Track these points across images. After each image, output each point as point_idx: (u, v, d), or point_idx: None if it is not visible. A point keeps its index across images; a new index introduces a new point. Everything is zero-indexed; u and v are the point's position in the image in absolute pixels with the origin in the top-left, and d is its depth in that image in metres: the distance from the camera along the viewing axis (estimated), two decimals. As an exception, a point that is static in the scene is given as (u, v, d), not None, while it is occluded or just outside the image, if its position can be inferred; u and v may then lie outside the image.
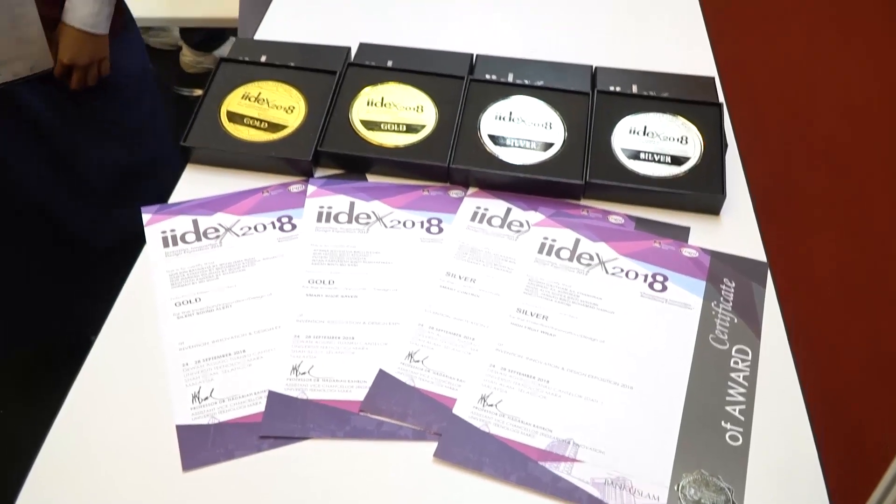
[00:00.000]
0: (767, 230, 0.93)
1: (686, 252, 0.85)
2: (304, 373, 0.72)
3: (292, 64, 1.01)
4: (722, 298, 0.81)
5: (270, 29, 1.18)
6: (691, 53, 1.16)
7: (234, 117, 0.94)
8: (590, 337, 0.77)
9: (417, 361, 0.74)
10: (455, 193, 0.91)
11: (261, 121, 0.94)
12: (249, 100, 0.96)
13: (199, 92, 2.41)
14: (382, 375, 0.73)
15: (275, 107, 0.95)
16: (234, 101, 0.96)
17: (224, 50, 2.44)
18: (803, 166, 2.21)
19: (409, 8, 1.24)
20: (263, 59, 1.03)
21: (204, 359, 0.73)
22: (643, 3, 1.26)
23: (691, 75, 1.05)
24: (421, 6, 1.24)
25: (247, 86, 0.97)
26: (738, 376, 0.74)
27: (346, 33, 1.14)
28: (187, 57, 2.49)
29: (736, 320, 0.79)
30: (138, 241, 0.84)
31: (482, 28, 1.20)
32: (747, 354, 0.76)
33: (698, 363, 0.75)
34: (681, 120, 0.95)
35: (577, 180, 0.90)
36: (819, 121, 2.42)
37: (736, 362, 0.75)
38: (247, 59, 1.02)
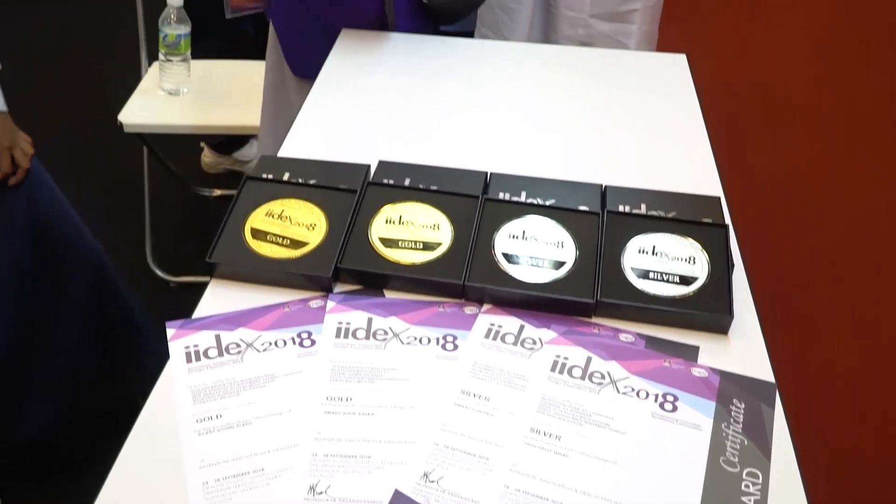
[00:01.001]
0: (775, 344, 0.95)
1: (696, 372, 0.87)
2: (321, 492, 0.73)
3: (314, 182, 1.06)
4: (732, 420, 0.82)
5: (293, 145, 1.23)
6: (697, 171, 1.20)
7: (258, 234, 0.98)
8: (602, 458, 0.78)
9: (433, 482, 0.75)
10: (470, 310, 0.94)
11: (283, 237, 0.98)
12: (273, 217, 1.00)
13: (217, 192, 2.49)
14: (398, 496, 0.74)
15: (297, 224, 0.99)
16: (258, 219, 1.00)
17: (244, 153, 2.52)
18: (810, 277, 2.23)
19: (426, 126, 1.29)
20: (286, 176, 1.08)
21: (224, 477, 0.74)
22: (650, 123, 1.32)
23: (698, 195, 1.09)
24: (437, 124, 1.30)
25: (270, 203, 1.02)
26: (750, 500, 0.75)
27: (366, 149, 1.20)
28: (208, 158, 2.57)
29: (746, 442, 0.80)
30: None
31: (496, 145, 1.25)
32: (758, 477, 0.77)
33: (710, 486, 0.76)
34: (689, 241, 0.98)
35: (588, 299, 0.92)
36: (824, 231, 2.46)
37: (747, 485, 0.76)
38: (271, 177, 1.07)
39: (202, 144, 2.57)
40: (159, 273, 2.15)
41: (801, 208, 2.54)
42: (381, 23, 1.54)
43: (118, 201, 2.45)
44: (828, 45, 3.54)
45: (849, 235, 2.45)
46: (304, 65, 1.56)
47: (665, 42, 3.27)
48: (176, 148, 2.60)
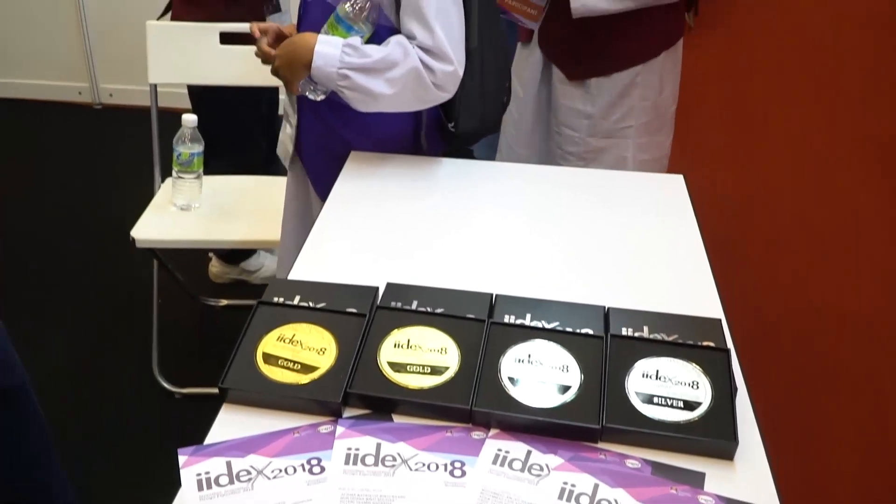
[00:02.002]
0: (781, 465, 0.96)
1: (702, 500, 0.87)
2: None
3: (324, 305, 1.08)
4: (740, 550, 0.82)
5: (306, 264, 1.27)
6: (697, 292, 1.23)
7: (269, 359, 1.00)
8: (612, 591, 0.78)
9: None
10: (477, 435, 0.95)
11: (294, 362, 1.00)
12: (284, 341, 1.02)
13: (224, 302, 2.52)
14: None
15: (308, 348, 1.02)
16: (270, 343, 1.02)
17: (251, 263, 2.56)
18: (814, 391, 2.23)
19: (433, 244, 1.33)
20: (297, 299, 1.11)
21: None
22: (651, 244, 1.35)
23: (699, 317, 1.12)
24: (444, 243, 1.34)
25: (282, 328, 1.04)
26: None
27: (376, 267, 1.24)
28: (215, 268, 2.61)
29: (755, 574, 0.80)
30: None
31: (502, 265, 1.29)
32: None
33: None
34: (691, 365, 1.00)
35: (594, 425, 0.94)
36: (826, 342, 2.48)
37: None
38: (282, 300, 1.10)
39: (210, 254, 2.61)
40: (165, 384, 2.16)
41: (802, 320, 2.56)
42: (405, 149, 1.61)
43: (126, 311, 2.48)
44: (824, 156, 3.64)
45: (851, 346, 2.46)
46: (330, 187, 1.61)
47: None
48: (183, 257, 2.65)
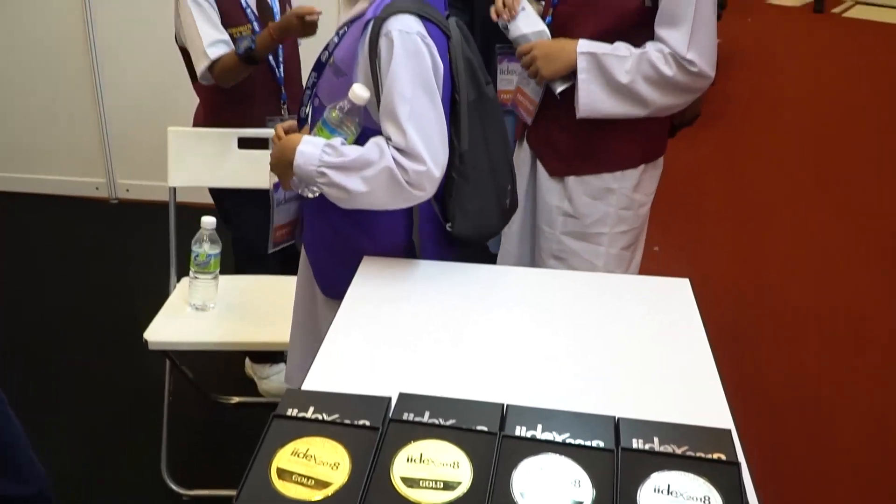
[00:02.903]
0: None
1: None
2: None
3: (337, 417, 1.10)
4: None
5: (320, 372, 1.29)
6: (707, 400, 1.24)
7: (284, 474, 1.01)
8: None
9: None
10: (490, 552, 0.95)
11: (308, 478, 1.01)
12: (298, 456, 1.04)
13: (236, 400, 2.52)
14: None
15: (321, 463, 1.03)
16: (284, 458, 1.03)
17: (262, 370, 2.56)
18: (828, 490, 2.20)
19: (444, 351, 1.36)
20: (311, 410, 1.12)
21: None
22: (659, 351, 1.38)
23: (709, 428, 1.13)
24: (455, 349, 1.37)
25: (296, 442, 1.06)
26: None
27: (389, 375, 1.27)
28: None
29: None
30: None
31: (512, 371, 1.31)
32: None
33: None
34: (702, 480, 1.01)
35: (606, 542, 0.94)
36: (838, 436, 2.46)
37: None
38: (296, 412, 1.11)
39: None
40: (172, 486, 2.14)
41: (812, 413, 2.54)
42: (408, 250, 1.64)
43: (136, 408, 2.48)
44: (827, 245, 3.68)
45: (863, 438, 2.44)
46: (334, 287, 1.65)
47: (666, 246, 3.41)
48: (195, 353, 2.68)
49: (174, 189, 2.26)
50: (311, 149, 1.47)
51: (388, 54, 1.44)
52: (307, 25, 2.06)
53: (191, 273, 2.10)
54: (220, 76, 2.16)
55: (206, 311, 2.10)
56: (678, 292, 1.56)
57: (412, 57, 1.44)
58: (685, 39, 1.73)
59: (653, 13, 1.76)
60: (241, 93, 2.21)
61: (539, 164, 1.99)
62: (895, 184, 4.22)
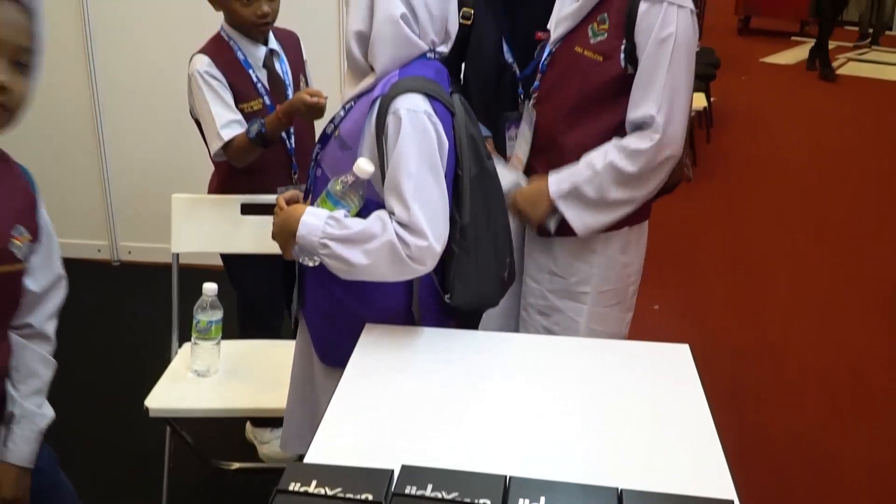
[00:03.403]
0: None
1: None
2: None
3: (340, 491, 1.10)
4: None
5: (322, 444, 1.30)
6: (708, 470, 1.25)
7: (287, 551, 1.01)
8: None
9: None
10: None
11: (311, 555, 1.01)
12: (301, 532, 1.03)
13: (236, 465, 2.51)
14: None
15: (324, 540, 1.02)
16: (288, 535, 1.03)
17: (263, 434, 2.54)
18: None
19: (447, 423, 1.36)
20: (314, 484, 1.12)
21: None
22: (660, 419, 1.38)
23: (712, 499, 1.13)
24: (458, 421, 1.37)
25: (299, 518, 1.06)
26: None
27: (392, 445, 1.28)
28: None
29: None
30: None
31: (514, 440, 1.31)
32: None
33: None
34: (706, 554, 1.01)
35: None
36: (843, 495, 2.43)
37: None
38: (299, 486, 1.11)
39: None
40: (172, 556, 2.12)
41: (817, 473, 2.52)
42: (407, 320, 1.66)
43: (134, 474, 2.46)
44: (826, 301, 3.69)
45: (868, 495, 2.42)
46: (332, 355, 1.66)
47: (665, 304, 3.43)
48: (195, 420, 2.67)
49: (177, 255, 2.28)
50: (314, 220, 1.50)
51: (395, 131, 1.48)
52: (313, 109, 2.10)
53: (192, 339, 2.11)
54: (234, 156, 2.21)
55: (208, 376, 2.10)
56: (678, 358, 1.57)
57: (419, 135, 1.48)
58: (655, 105, 1.77)
59: (632, 79, 1.81)
60: (254, 164, 2.25)
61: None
62: (893, 240, 4.25)
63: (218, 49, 2.24)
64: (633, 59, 1.80)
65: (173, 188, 2.35)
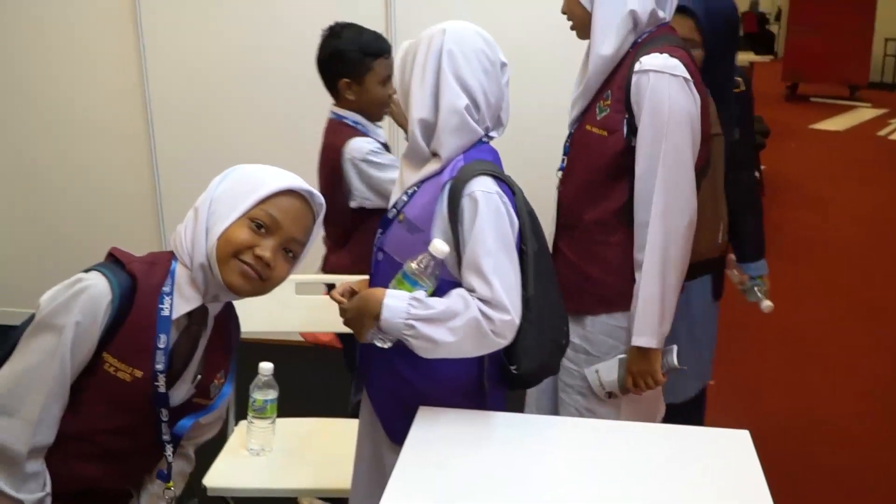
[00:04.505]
0: None
1: None
2: None
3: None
4: None
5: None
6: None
7: None
8: None
9: None
10: None
11: None
12: None
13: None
14: None
15: None
16: None
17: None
18: None
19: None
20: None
21: None
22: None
23: None
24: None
25: None
26: None
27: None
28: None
29: None
30: None
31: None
32: None
33: None
34: None
35: None
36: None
37: None
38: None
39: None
40: None
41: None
42: (475, 394, 1.69)
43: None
44: (881, 384, 3.58)
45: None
46: (403, 432, 1.66)
47: (719, 380, 3.35)
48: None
49: (234, 334, 2.32)
50: (396, 302, 1.54)
51: (472, 213, 1.55)
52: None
53: (248, 418, 2.13)
54: None
55: (262, 455, 2.12)
56: (738, 445, 1.55)
57: (493, 214, 1.55)
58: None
59: (633, 152, 1.84)
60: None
61: None
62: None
63: (355, 131, 2.32)
64: (635, 130, 1.85)
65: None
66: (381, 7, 3.35)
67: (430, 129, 1.64)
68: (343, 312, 1.65)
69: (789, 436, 3.09)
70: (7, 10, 3.61)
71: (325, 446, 2.18)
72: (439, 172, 1.63)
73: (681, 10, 2.03)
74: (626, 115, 1.85)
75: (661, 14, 1.89)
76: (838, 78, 9.99)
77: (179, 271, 1.45)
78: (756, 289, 2.45)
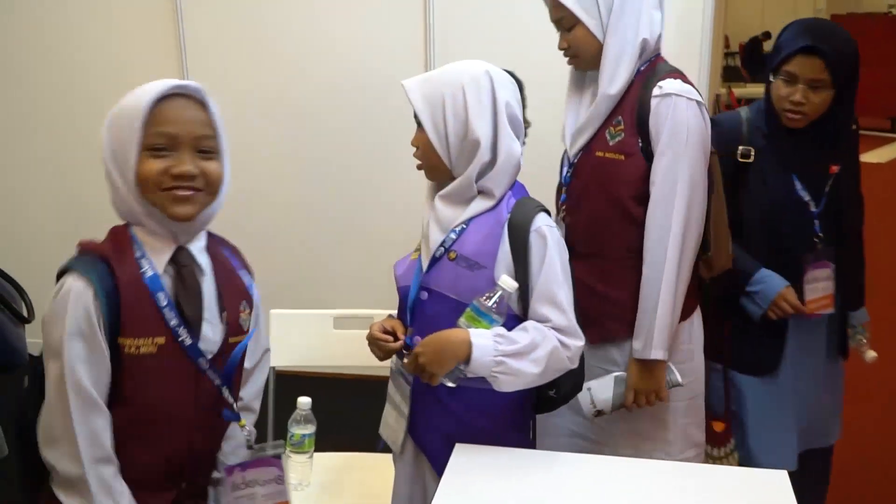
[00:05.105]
0: None
1: None
2: None
3: None
4: None
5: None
6: None
7: None
8: None
9: None
10: None
11: None
12: None
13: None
14: None
15: None
16: None
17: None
18: None
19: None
20: None
21: None
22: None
23: None
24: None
25: None
26: None
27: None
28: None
29: None
30: None
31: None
32: None
33: None
34: None
35: None
36: None
37: None
38: None
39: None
40: None
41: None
42: (522, 423, 1.78)
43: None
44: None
45: None
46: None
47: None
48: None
49: (273, 369, 2.35)
50: (483, 341, 1.57)
51: (540, 248, 1.65)
52: None
53: (286, 451, 2.15)
54: None
55: (300, 490, 2.14)
56: (775, 484, 1.53)
57: (558, 246, 1.67)
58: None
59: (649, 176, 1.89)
60: None
61: None
62: None
63: None
64: (649, 155, 1.90)
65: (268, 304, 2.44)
66: (419, 23, 3.24)
67: (485, 170, 1.70)
68: (414, 357, 1.61)
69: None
70: (44, 24, 3.72)
71: (361, 481, 2.20)
72: (492, 209, 1.69)
73: (810, 50, 2.03)
74: (639, 139, 1.91)
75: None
76: (880, 110, 9.86)
77: (137, 231, 1.46)
78: (859, 336, 2.39)
